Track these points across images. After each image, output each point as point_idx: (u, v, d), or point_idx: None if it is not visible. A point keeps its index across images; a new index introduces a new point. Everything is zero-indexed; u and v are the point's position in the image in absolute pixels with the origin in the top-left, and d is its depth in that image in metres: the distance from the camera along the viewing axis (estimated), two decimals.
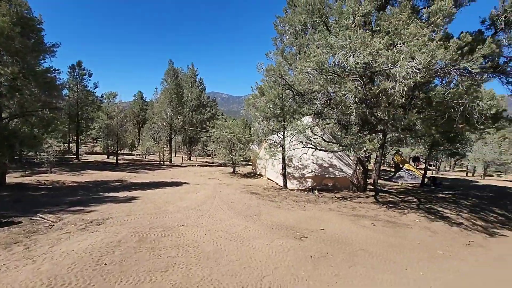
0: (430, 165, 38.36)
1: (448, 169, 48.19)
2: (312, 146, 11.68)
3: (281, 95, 12.46)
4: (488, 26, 11.02)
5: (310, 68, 8.90)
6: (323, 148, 11.26)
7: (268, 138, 14.83)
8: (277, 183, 15.92)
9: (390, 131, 12.07)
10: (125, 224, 7.13)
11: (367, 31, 8.91)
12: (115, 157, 22.03)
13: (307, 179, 15.06)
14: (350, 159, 16.03)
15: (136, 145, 33.33)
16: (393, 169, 30.02)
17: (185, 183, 14.31)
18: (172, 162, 27.06)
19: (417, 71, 7.53)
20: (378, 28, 9.94)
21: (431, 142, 18.75)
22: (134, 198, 10.17)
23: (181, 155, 32.19)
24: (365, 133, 10.39)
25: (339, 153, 15.84)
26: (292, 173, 15.40)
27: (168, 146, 28.74)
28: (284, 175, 14.00)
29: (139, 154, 30.70)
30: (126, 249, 5.66)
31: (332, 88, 10.26)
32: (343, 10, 9.90)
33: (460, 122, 9.66)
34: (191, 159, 31.99)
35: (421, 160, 40.88)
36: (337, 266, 5.52)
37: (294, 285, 4.76)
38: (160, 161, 26.06)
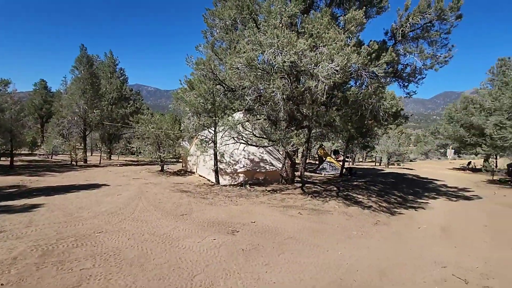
0: (348, 157, 43.62)
1: (362, 160, 55.60)
2: (243, 142, 11.83)
3: (212, 90, 12.22)
4: (390, 37, 12.94)
5: (240, 64, 8.95)
6: (254, 143, 11.52)
7: (199, 134, 14.41)
8: (209, 180, 15.64)
9: (314, 126, 13.11)
10: (23, 238, 5.91)
11: (293, 32, 9.42)
12: (10, 158, 18.14)
13: (239, 174, 15.23)
14: (280, 153, 16.85)
15: (39, 144, 28.22)
16: (317, 162, 32.88)
17: (104, 185, 12.75)
18: (88, 162, 23.81)
19: (336, 72, 8.33)
20: (303, 30, 10.62)
21: (347, 137, 21.20)
22: (36, 206, 8.54)
23: (99, 154, 28.50)
24: (292, 128, 11.05)
25: (269, 148, 16.51)
26: (224, 168, 15.35)
27: (82, 144, 25.13)
28: (216, 171, 13.84)
29: (43, 154, 25.82)
30: (25, 266, 4.70)
31: (262, 85, 10.56)
32: (271, 9, 10.23)
33: (370, 119, 11.13)
34: (112, 158, 28.72)
35: (340, 153, 46.08)
36: (267, 256, 5.70)
37: (226, 279, 4.70)
38: (71, 162, 22.52)
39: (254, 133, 11.80)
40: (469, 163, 35.51)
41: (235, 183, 14.95)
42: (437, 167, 35.36)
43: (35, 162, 23.10)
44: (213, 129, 13.43)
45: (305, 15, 11.29)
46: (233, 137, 12.05)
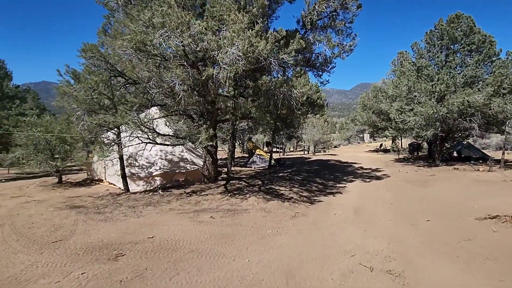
0: (279, 148, 44.89)
1: (293, 150, 58.25)
2: (151, 141, 10.29)
3: (108, 83, 10.27)
4: (301, 26, 12.86)
5: (127, 49, 7.42)
6: (162, 142, 10.12)
7: (100, 136, 12.20)
8: (119, 188, 13.55)
9: (232, 120, 12.32)
10: None
11: (190, 12, 8.27)
12: None
13: (155, 178, 13.57)
14: (201, 151, 15.68)
15: None
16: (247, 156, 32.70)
17: None
18: None
19: (239, 58, 7.54)
20: (207, 13, 9.58)
21: (273, 128, 21.21)
22: None
23: None
24: (201, 123, 10.01)
25: (190, 145, 15.16)
26: (138, 173, 13.47)
27: None
28: (124, 177, 11.93)
29: None
30: None
31: (166, 74, 9.19)
32: None
33: (283, 109, 10.80)
34: None
35: (272, 144, 47.10)
36: (155, 283, 4.58)
37: None
38: None
39: (157, 131, 10.31)
40: (381, 145, 40.21)
41: (151, 188, 13.25)
42: (357, 150, 39.10)
43: None
44: (117, 129, 11.45)
45: None
46: (137, 137, 10.36)
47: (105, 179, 14.72)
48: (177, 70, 7.76)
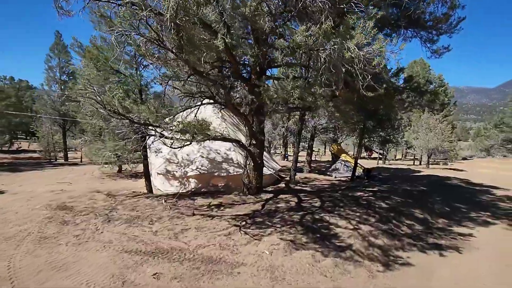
0: (381, 154, 36.81)
1: (401, 158, 47.61)
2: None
3: None
4: None
5: None
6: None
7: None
8: (155, 186, 12.00)
9: (277, 111, 8.62)
10: None
11: None
12: None
13: (190, 179, 11.31)
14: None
15: None
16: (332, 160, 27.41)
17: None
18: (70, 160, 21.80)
19: None
20: None
21: (361, 128, 15.86)
22: None
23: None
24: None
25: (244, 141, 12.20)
26: (174, 171, 11.55)
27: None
28: (146, 176, 10.10)
29: None
30: None
31: None
32: None
33: (337, 84, 6.25)
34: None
35: (373, 149, 39.24)
36: None
37: None
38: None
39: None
40: None
41: (183, 191, 11.08)
42: (500, 167, 27.23)
43: None
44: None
45: None
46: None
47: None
48: None
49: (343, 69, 4.94)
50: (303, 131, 21.32)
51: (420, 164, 31.11)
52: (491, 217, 9.23)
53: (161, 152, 11.39)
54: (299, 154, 16.16)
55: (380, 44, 4.82)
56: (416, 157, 33.52)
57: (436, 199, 11.61)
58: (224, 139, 8.44)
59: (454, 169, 24.65)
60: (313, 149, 22.22)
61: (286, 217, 7.48)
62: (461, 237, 7.32)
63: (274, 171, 13.53)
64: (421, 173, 21.39)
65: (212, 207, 8.67)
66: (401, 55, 5.46)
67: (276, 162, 16.26)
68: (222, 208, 8.55)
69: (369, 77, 5.13)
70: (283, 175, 16.18)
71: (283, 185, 13.13)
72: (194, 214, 7.23)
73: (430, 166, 26.85)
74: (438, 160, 32.78)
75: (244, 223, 6.78)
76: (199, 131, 6.32)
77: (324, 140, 31.48)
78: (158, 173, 11.67)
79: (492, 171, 23.38)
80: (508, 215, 9.43)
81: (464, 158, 41.32)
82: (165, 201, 8.37)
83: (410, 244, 6.66)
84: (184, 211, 7.62)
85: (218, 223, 6.62)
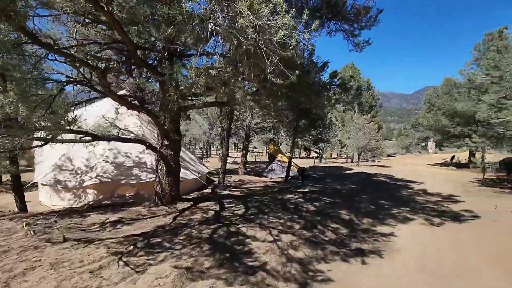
0: (317, 154, 38.16)
1: (336, 156, 50.55)
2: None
3: None
4: None
5: None
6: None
7: None
8: (40, 201, 9.49)
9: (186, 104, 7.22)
10: None
11: None
12: None
13: (87, 190, 9.15)
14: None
15: None
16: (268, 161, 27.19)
17: None
18: None
19: None
20: None
21: (294, 128, 15.43)
22: None
23: None
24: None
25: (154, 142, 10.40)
26: (67, 180, 9.23)
27: None
28: (17, 188, 7.68)
29: None
30: None
31: None
32: None
33: (261, 77, 5.26)
34: None
35: (311, 148, 40.44)
36: None
37: None
38: None
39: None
40: (453, 157, 30.86)
41: (78, 205, 8.88)
42: (417, 162, 30.42)
43: None
44: None
45: None
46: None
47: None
48: None
49: (243, 44, 3.81)
50: (240, 130, 20.31)
51: (352, 162, 32.97)
52: (410, 213, 9.35)
53: (47, 157, 9.01)
54: (237, 156, 15.04)
55: (285, 18, 3.81)
56: (348, 156, 35.51)
57: (362, 197, 11.61)
58: (120, 139, 6.69)
59: (380, 166, 26.51)
60: (249, 149, 21.34)
61: (194, 233, 6.10)
62: (383, 238, 6.98)
63: (199, 175, 12.07)
64: (352, 171, 22.30)
65: (107, 225, 6.83)
66: (318, 42, 4.67)
67: (204, 165, 14.78)
68: (118, 226, 6.77)
69: (277, 58, 4.14)
70: (214, 179, 14.84)
71: (210, 191, 11.76)
72: (65, 240, 5.34)
73: (360, 163, 28.50)
74: (367, 158, 35.24)
75: (131, 247, 5.19)
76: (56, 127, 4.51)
77: (264, 141, 31.09)
78: (43, 184, 9.21)
79: (410, 167, 25.73)
80: (424, 210, 9.69)
81: (389, 155, 45.66)
82: (26, 224, 6.18)
83: (333, 253, 5.95)
84: (54, 236, 5.65)
85: (91, 252, 4.89)
